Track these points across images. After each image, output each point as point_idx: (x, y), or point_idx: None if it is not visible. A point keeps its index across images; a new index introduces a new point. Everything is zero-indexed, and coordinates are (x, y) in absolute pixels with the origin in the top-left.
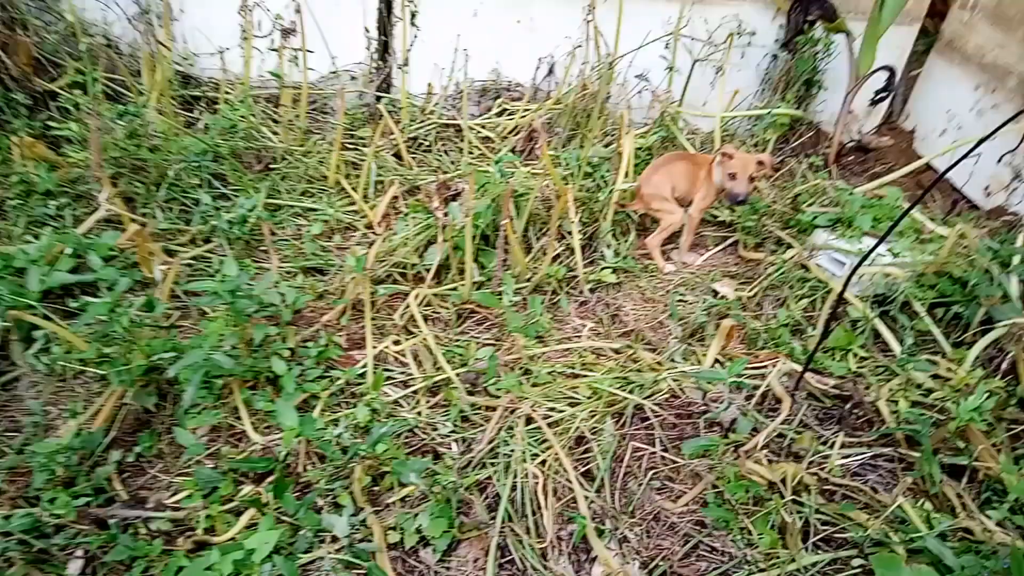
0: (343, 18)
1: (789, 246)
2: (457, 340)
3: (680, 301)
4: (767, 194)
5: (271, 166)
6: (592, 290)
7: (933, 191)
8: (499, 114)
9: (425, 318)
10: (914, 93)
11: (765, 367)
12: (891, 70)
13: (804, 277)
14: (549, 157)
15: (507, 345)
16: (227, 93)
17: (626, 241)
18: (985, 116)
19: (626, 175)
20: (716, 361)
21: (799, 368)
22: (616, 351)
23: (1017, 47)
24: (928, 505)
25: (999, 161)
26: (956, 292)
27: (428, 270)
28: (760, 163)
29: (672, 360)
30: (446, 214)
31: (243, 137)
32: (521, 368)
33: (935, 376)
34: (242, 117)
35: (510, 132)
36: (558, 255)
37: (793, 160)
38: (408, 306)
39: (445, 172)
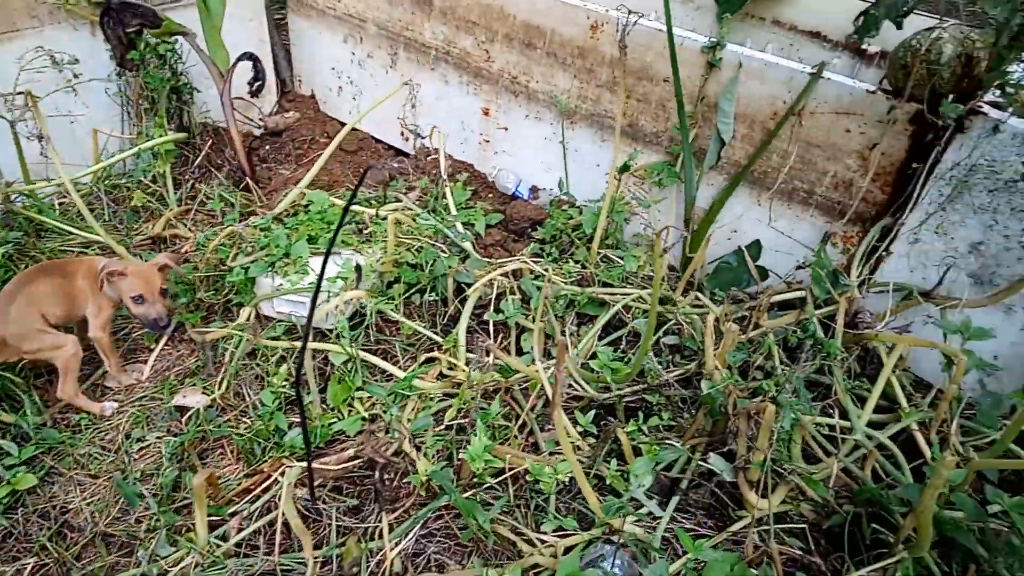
0: None
1: (240, 306)
2: None
3: (142, 448)
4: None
5: None
6: (7, 511)
7: (364, 148)
8: None
9: None
10: (295, 58)
11: (272, 483)
12: (253, 56)
13: (272, 336)
14: None
15: None
16: None
17: (27, 413)
18: (367, 65)
19: None
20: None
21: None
22: None
23: None
24: (492, 574)
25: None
26: (421, 276)
27: None
28: (164, 267)
29: (156, 558)
30: None
31: None
32: None
33: (441, 375)
34: None
35: None
36: None
37: (205, 186)
38: None
39: None
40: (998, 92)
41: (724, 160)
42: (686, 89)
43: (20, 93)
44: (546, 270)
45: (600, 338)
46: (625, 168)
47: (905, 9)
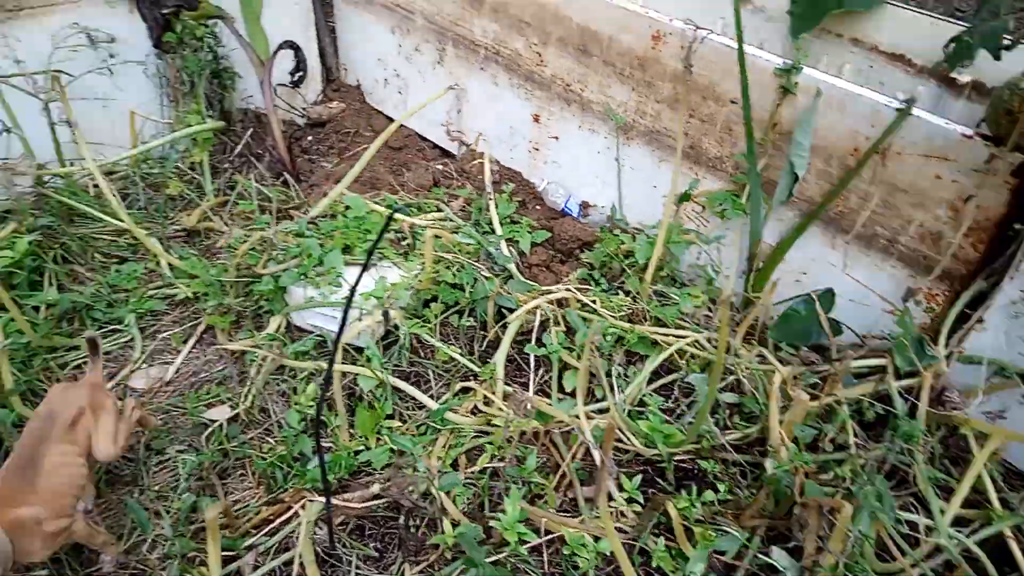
0: None
1: (270, 314)
2: None
3: (160, 465)
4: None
5: None
6: None
7: (409, 146)
8: None
9: None
10: (342, 44)
11: (292, 515)
12: (294, 46)
13: (301, 351)
14: None
15: None
16: None
17: None
18: (414, 60)
19: None
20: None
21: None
22: None
23: None
24: None
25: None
26: (460, 296)
27: None
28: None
29: None
30: None
31: None
32: None
33: (476, 410)
34: None
35: None
36: None
37: (243, 177)
38: None
39: None
40: None
41: (795, 196)
42: (756, 114)
43: (57, 72)
44: (594, 301)
45: (650, 381)
46: (685, 198)
47: (1008, 40)
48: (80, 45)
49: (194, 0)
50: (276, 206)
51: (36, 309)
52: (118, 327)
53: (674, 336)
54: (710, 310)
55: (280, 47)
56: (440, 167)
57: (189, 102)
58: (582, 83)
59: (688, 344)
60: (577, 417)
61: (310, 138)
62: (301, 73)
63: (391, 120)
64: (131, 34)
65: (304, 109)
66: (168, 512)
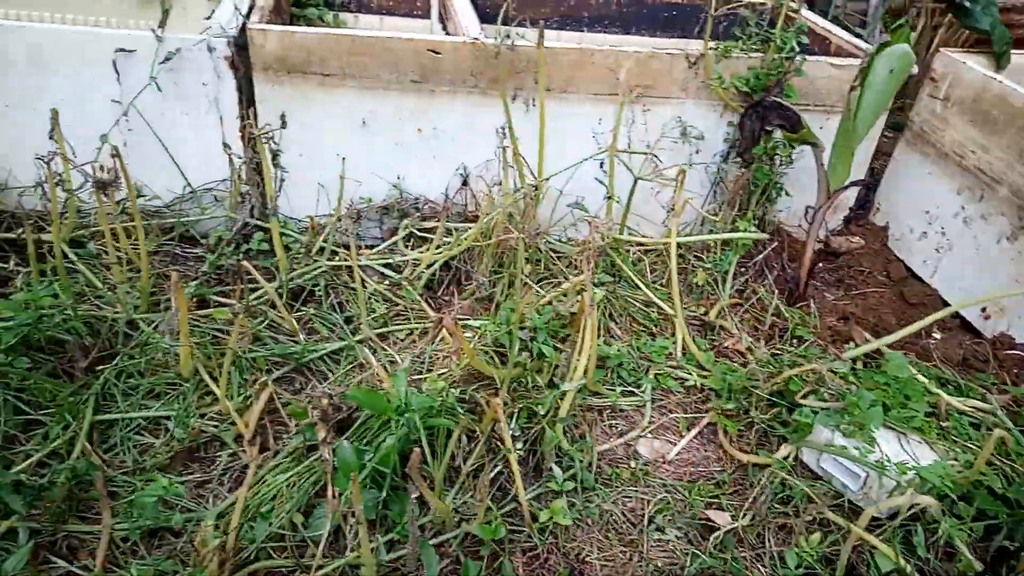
0: (192, 129)
1: (782, 440)
2: None
3: (658, 541)
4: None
5: (103, 358)
6: (543, 530)
7: (927, 306)
8: (407, 240)
9: None
10: (884, 184)
11: None
12: (868, 186)
13: (812, 491)
14: (466, 344)
15: None
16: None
17: (583, 445)
18: (973, 225)
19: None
20: None
21: None
22: None
23: (1004, 153)
24: None
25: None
26: (999, 510)
27: (316, 542)
28: None
29: None
30: (335, 451)
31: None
32: None
33: None
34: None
35: (425, 267)
36: (495, 479)
37: (762, 287)
38: None
39: (341, 339)
40: None
41: None
42: None
43: (653, 154)
44: None
45: None
46: None
47: None
48: (676, 138)
49: (798, 124)
50: (791, 329)
51: None
52: (634, 390)
53: None
54: None
55: (854, 183)
56: (969, 342)
57: (740, 207)
58: None
59: None
60: None
61: (820, 264)
62: (862, 211)
63: (910, 271)
64: (713, 135)
65: (824, 236)
66: None
